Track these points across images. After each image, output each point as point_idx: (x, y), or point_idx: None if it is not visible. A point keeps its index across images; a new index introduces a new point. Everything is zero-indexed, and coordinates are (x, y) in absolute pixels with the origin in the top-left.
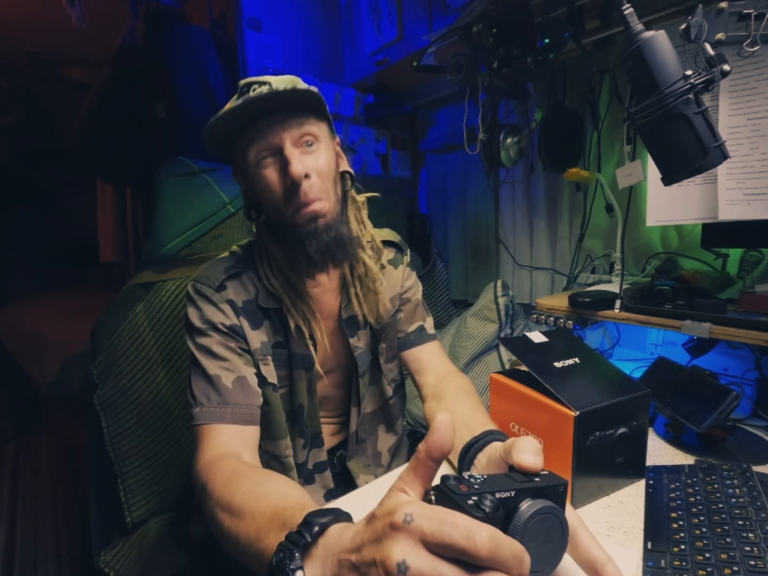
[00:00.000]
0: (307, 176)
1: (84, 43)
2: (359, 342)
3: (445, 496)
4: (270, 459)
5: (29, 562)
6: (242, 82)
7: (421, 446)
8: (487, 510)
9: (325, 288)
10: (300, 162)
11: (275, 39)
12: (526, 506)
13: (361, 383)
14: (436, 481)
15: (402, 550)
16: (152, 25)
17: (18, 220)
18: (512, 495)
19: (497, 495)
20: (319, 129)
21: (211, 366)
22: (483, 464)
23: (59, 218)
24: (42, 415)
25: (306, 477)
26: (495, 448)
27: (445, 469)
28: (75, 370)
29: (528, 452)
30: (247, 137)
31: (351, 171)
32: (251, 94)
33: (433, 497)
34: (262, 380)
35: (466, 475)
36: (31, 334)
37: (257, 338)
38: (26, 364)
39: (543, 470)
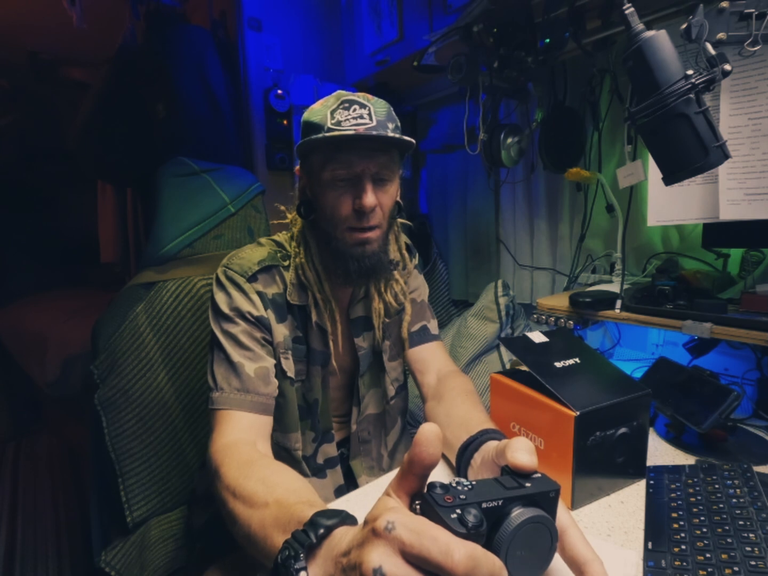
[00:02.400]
0: (373, 208)
1: (84, 43)
2: (364, 343)
3: (430, 507)
4: (280, 450)
5: (30, 562)
6: (344, 97)
7: (405, 457)
8: (470, 525)
9: (338, 292)
10: (373, 195)
11: (275, 39)
12: (515, 515)
13: (361, 383)
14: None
15: (380, 557)
16: (152, 25)
17: (18, 219)
18: (499, 504)
19: (484, 505)
20: (395, 166)
21: (234, 353)
22: (478, 465)
23: (59, 218)
24: (42, 415)
25: (315, 470)
26: (489, 448)
27: (442, 468)
28: (75, 370)
29: (522, 452)
30: (332, 156)
31: (401, 202)
32: (351, 113)
33: (418, 507)
34: (281, 373)
35: (454, 481)
36: (31, 334)
37: (281, 331)
38: (26, 364)
39: (536, 473)
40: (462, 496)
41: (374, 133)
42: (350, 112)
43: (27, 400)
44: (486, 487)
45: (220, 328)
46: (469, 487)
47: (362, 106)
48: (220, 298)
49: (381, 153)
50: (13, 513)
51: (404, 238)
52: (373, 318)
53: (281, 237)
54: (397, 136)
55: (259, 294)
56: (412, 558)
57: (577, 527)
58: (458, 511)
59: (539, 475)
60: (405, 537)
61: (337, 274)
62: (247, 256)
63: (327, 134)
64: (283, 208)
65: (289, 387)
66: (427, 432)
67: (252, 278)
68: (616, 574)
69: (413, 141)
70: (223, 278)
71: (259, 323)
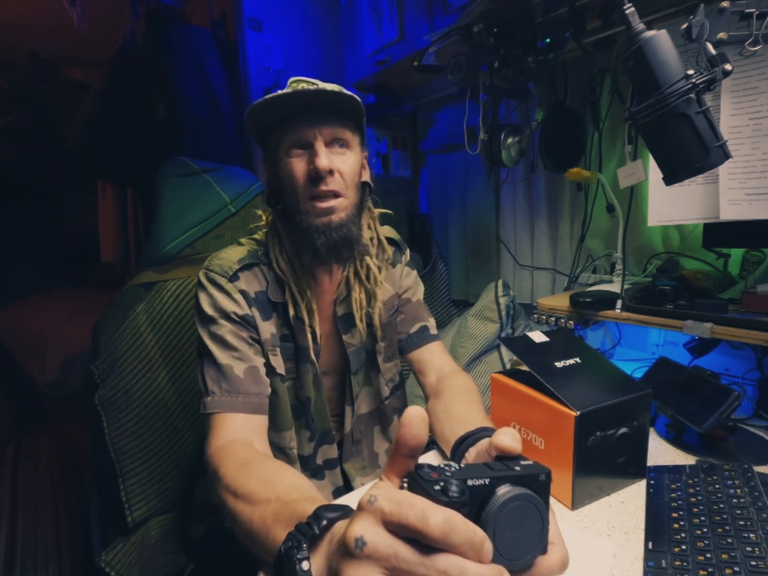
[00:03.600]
0: (330, 172)
1: (84, 43)
2: (353, 339)
3: (416, 483)
4: (275, 451)
5: (30, 562)
6: (292, 79)
7: (393, 441)
8: (451, 494)
9: (324, 289)
10: (327, 157)
11: (275, 39)
12: (502, 492)
13: (354, 381)
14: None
15: (362, 527)
16: (152, 25)
17: (18, 219)
18: (486, 483)
19: (469, 482)
20: (352, 137)
21: (222, 356)
22: (473, 458)
23: (60, 218)
24: (42, 415)
25: (314, 471)
26: (484, 443)
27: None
28: (75, 370)
29: (506, 435)
30: (285, 127)
31: (371, 183)
32: (295, 87)
33: (405, 484)
34: (271, 370)
35: (443, 463)
36: (31, 334)
37: (267, 329)
38: (26, 364)
39: (527, 460)
40: (448, 474)
41: (312, 87)
42: (295, 86)
43: (27, 400)
44: (474, 469)
45: (206, 331)
46: (457, 468)
47: (310, 84)
48: (204, 301)
49: (333, 118)
50: (13, 513)
51: (387, 230)
52: (354, 310)
53: (261, 235)
54: (336, 89)
55: (242, 293)
56: (392, 526)
57: (553, 513)
58: (441, 483)
59: (531, 462)
60: (385, 506)
61: (305, 252)
62: (227, 256)
63: (266, 97)
64: (260, 212)
65: (280, 384)
66: (412, 414)
67: (233, 277)
68: (591, 564)
69: (356, 97)
70: (204, 280)
71: (245, 322)
